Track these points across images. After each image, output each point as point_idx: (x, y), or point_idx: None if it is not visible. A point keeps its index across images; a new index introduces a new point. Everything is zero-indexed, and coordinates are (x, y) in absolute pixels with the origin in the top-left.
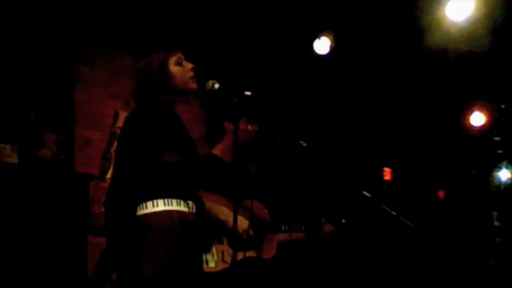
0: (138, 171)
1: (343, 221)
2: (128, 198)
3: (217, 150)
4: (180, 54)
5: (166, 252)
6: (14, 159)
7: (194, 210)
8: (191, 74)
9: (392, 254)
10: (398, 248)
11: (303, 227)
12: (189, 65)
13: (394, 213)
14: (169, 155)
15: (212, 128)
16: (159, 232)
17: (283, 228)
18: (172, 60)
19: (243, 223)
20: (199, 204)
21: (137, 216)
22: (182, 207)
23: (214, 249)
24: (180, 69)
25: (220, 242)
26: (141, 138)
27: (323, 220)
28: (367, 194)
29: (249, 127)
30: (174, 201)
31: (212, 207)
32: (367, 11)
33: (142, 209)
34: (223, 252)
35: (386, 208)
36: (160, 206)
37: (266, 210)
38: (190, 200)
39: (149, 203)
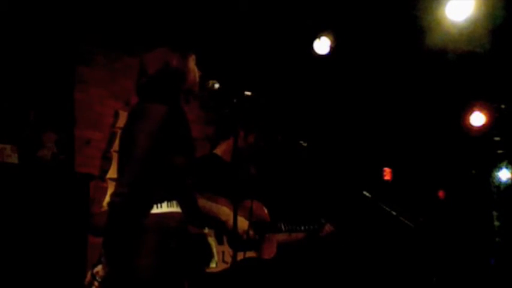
0: (148, 171)
1: (323, 221)
2: (136, 198)
3: (219, 150)
4: (194, 56)
5: (167, 252)
6: (14, 159)
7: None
8: (198, 77)
9: (392, 254)
10: (399, 248)
11: (302, 227)
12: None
13: (394, 213)
14: (177, 157)
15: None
16: (161, 233)
17: (283, 228)
18: (191, 59)
19: (243, 224)
20: (191, 205)
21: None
22: (180, 209)
23: (215, 250)
24: (195, 70)
25: (221, 243)
26: (156, 138)
27: (323, 220)
28: (367, 194)
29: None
30: (174, 202)
31: (213, 208)
32: (367, 11)
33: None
34: (223, 253)
35: (387, 208)
36: (164, 207)
37: (266, 210)
38: (184, 201)
39: (154, 205)
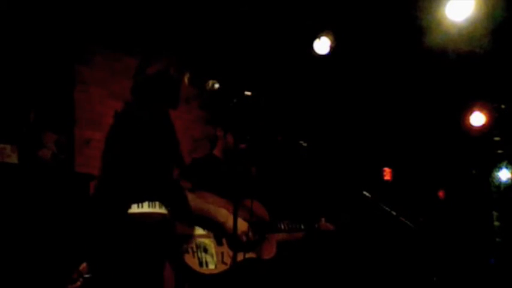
0: (132, 173)
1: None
2: (119, 196)
3: (217, 151)
4: (189, 74)
5: (145, 248)
6: (14, 159)
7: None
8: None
9: (392, 254)
10: (399, 248)
11: (302, 226)
12: None
13: (394, 213)
14: (156, 160)
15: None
16: (139, 231)
17: (283, 227)
18: (187, 76)
19: (242, 225)
20: (178, 207)
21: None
22: (163, 210)
23: (213, 251)
24: (185, 86)
25: (220, 244)
26: (139, 142)
27: (323, 219)
28: (367, 194)
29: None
30: (157, 203)
31: (211, 210)
32: (367, 11)
33: (129, 208)
34: (223, 254)
35: (387, 208)
36: (145, 207)
37: (265, 210)
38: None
39: (134, 205)
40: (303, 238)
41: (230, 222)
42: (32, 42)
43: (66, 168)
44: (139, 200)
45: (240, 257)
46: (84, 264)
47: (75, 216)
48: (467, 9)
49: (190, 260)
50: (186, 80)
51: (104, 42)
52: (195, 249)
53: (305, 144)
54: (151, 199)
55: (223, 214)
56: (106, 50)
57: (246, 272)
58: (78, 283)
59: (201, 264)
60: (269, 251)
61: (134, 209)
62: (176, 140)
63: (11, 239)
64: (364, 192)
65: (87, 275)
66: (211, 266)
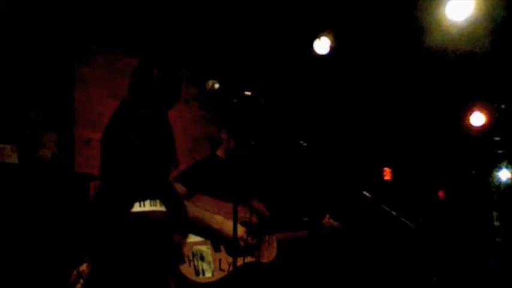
0: (132, 171)
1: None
2: (120, 196)
3: (220, 151)
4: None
5: (147, 249)
6: (14, 159)
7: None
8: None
9: (392, 254)
10: (399, 248)
11: (306, 223)
12: None
13: (394, 213)
14: (154, 158)
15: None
16: (143, 231)
17: (285, 225)
18: (185, 76)
19: (239, 231)
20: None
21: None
22: (163, 208)
23: (211, 258)
24: (185, 87)
25: (218, 250)
26: (138, 140)
27: (327, 215)
28: (367, 194)
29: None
30: (158, 201)
31: (205, 217)
32: (367, 11)
33: (131, 208)
34: (220, 260)
35: (387, 208)
36: (147, 206)
37: (264, 207)
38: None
39: (137, 203)
40: (308, 236)
41: (225, 229)
42: (33, 42)
43: (66, 168)
44: (141, 199)
45: (238, 262)
46: (84, 266)
47: (76, 217)
48: (467, 9)
49: (186, 270)
50: (183, 85)
51: (104, 43)
52: (191, 257)
53: (305, 144)
54: (152, 197)
55: (218, 221)
56: (106, 50)
57: (245, 278)
58: (79, 285)
59: (197, 273)
60: (269, 254)
61: (136, 207)
62: (173, 140)
63: (10, 239)
64: (364, 192)
65: (87, 277)
66: (208, 274)
